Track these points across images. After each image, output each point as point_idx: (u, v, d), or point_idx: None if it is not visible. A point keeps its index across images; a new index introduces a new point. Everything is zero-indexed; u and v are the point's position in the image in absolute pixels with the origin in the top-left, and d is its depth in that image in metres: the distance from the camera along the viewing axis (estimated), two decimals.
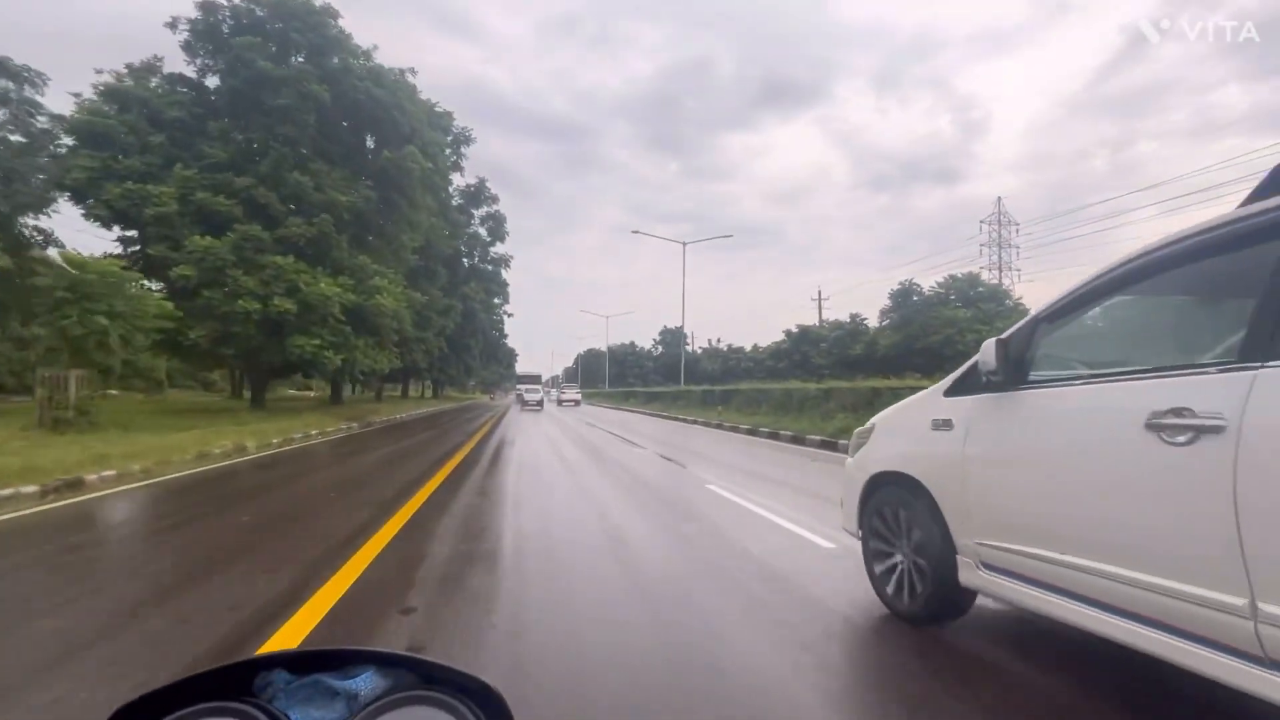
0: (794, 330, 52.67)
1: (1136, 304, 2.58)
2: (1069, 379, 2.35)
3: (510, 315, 54.72)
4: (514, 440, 13.78)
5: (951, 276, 41.38)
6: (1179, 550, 1.78)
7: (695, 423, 20.37)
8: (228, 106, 18.96)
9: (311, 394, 42.39)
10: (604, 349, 73.80)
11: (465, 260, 41.73)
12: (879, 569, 3.14)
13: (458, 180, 35.07)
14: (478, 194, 41.66)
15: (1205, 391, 1.73)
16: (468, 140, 30.79)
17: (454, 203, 35.81)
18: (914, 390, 4.98)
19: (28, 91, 15.76)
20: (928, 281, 43.83)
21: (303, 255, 18.12)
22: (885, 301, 43.75)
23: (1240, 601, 1.59)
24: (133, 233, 17.84)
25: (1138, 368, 2.11)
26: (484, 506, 6.00)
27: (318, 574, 3.71)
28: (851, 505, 3.37)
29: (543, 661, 2.60)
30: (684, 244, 33.62)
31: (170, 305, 13.97)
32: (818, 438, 12.07)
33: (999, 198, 53.81)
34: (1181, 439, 1.74)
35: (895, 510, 3.04)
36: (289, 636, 2.77)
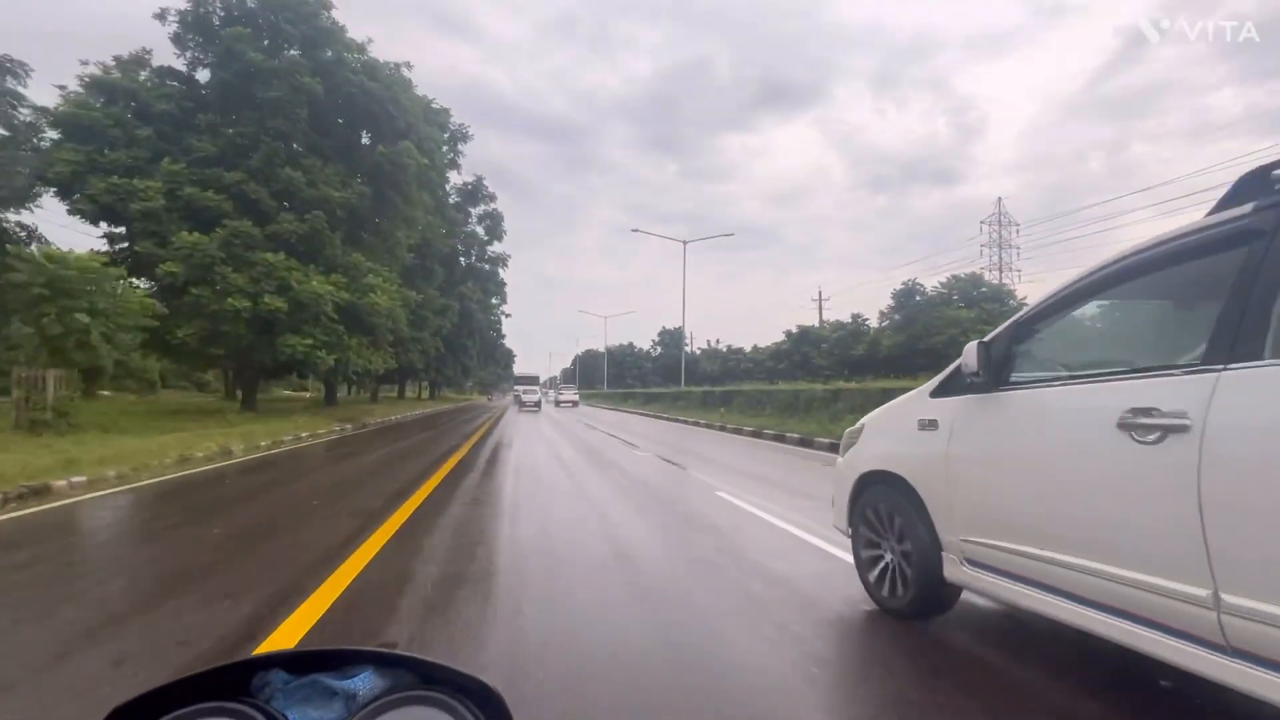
0: (794, 331, 52.26)
1: (1115, 307, 2.74)
2: (1048, 380, 2.41)
3: (508, 316, 54.37)
4: (511, 442, 13.34)
5: (954, 276, 41.08)
6: (1148, 544, 1.85)
7: (697, 424, 19.95)
8: (218, 100, 18.46)
9: (307, 395, 41.82)
10: (602, 350, 73.38)
11: (462, 259, 41.27)
12: (867, 566, 3.22)
13: (455, 178, 34.63)
14: (475, 192, 41.21)
15: (1172, 392, 1.80)
16: (465, 137, 30.31)
17: (451, 201, 35.32)
18: None
19: (10, 83, 15.24)
20: (929, 282, 43.44)
21: (294, 252, 17.63)
22: (884, 302, 43.58)
23: (1204, 593, 1.66)
24: (120, 229, 17.33)
25: (1111, 369, 2.20)
26: (478, 518, 5.54)
27: (286, 600, 3.27)
28: (842, 504, 3.46)
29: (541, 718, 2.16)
30: (685, 242, 33.52)
31: (154, 302, 13.49)
32: (827, 440, 11.63)
33: (999, 198, 53.66)
34: (1150, 438, 1.82)
35: (884, 508, 3.11)
36: None
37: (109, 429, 11.78)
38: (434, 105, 25.49)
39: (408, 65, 21.99)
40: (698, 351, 69.43)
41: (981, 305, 37.85)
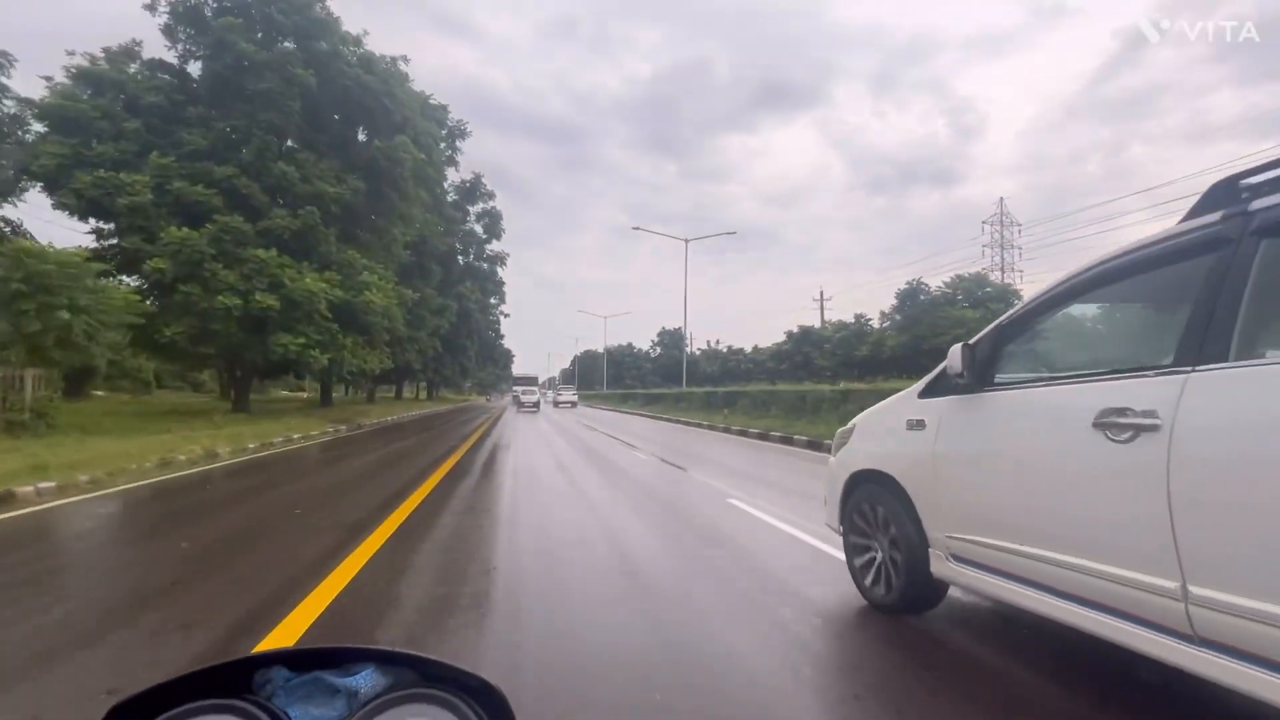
0: (795, 331, 51.79)
1: (1095, 311, 2.87)
2: (1030, 381, 2.46)
3: (506, 316, 53.91)
4: (509, 444, 12.89)
5: (959, 276, 40.62)
6: (1122, 539, 1.89)
7: (700, 426, 19.51)
8: (209, 93, 17.99)
9: (304, 395, 41.29)
10: (601, 350, 72.93)
11: (460, 258, 40.78)
12: (858, 563, 3.27)
13: (453, 175, 34.21)
14: (473, 190, 40.73)
15: (1144, 393, 1.84)
16: (463, 134, 29.93)
17: (449, 198, 34.84)
18: None
19: None
20: (933, 282, 42.94)
21: (287, 249, 17.16)
22: (885, 302, 43.24)
23: (1173, 585, 1.71)
24: (109, 225, 16.85)
25: (1090, 370, 2.27)
26: (473, 529, 5.10)
27: (250, 631, 2.84)
28: (834, 502, 3.50)
29: None
30: (686, 241, 33.13)
31: (140, 299, 13.03)
32: None
33: (1001, 198, 53.31)
34: (1124, 437, 1.87)
35: (873, 506, 3.16)
36: None
37: (90, 430, 11.32)
38: (431, 101, 25.07)
39: (405, 59, 21.57)
40: (697, 352, 68.88)
41: (987, 305, 37.33)
